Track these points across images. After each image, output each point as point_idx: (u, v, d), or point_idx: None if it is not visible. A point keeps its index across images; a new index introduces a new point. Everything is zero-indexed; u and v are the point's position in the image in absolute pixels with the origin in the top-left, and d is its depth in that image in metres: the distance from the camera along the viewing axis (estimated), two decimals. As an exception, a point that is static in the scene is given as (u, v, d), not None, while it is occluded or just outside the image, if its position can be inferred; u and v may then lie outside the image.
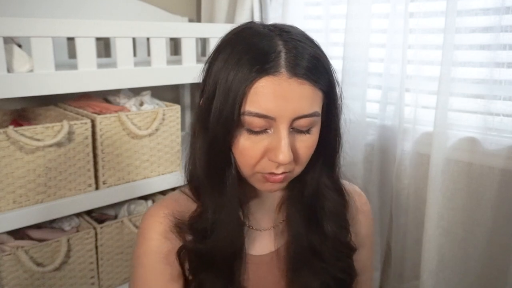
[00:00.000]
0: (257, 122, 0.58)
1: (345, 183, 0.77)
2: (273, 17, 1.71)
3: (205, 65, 0.64)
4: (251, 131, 0.59)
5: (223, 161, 0.62)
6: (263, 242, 0.72)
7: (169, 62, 1.41)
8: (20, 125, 1.33)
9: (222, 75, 0.59)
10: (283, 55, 0.57)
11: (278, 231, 0.72)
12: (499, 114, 1.17)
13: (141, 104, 1.47)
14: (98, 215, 1.47)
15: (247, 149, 0.59)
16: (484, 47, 1.17)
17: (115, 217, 1.49)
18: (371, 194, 1.44)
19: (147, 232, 0.69)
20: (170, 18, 1.81)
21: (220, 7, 1.74)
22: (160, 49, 1.37)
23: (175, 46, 1.86)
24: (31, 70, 1.15)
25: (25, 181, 1.18)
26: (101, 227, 1.32)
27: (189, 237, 0.67)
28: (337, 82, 0.65)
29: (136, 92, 1.53)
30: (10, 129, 1.13)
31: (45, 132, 1.18)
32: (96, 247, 1.33)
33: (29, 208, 1.19)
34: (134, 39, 1.68)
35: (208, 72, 0.63)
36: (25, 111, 1.49)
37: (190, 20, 1.91)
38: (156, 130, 1.38)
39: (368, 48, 1.38)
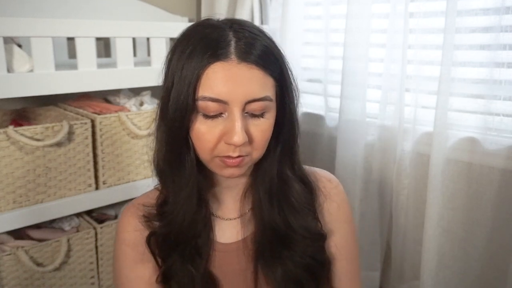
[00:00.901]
0: (211, 107, 0.61)
1: (315, 170, 0.79)
2: (273, 17, 1.71)
3: (165, 59, 0.68)
4: (207, 116, 0.62)
5: (181, 147, 0.65)
6: (231, 231, 0.75)
7: (169, 62, 1.41)
8: (20, 125, 1.33)
9: (179, 65, 0.63)
10: (233, 44, 0.61)
11: (245, 220, 0.74)
12: (499, 114, 1.17)
13: (141, 104, 1.47)
14: (98, 215, 1.47)
15: (204, 133, 0.63)
16: (484, 47, 1.17)
17: (115, 217, 1.49)
18: (371, 194, 1.44)
19: (119, 226, 0.76)
20: (170, 18, 1.81)
21: (220, 7, 1.75)
22: (160, 49, 1.37)
23: (175, 46, 1.86)
24: (31, 70, 1.15)
25: (25, 181, 1.18)
26: (101, 227, 1.32)
27: (156, 224, 0.72)
28: (291, 72, 0.68)
29: (136, 92, 1.53)
30: (10, 129, 1.13)
31: (45, 132, 1.18)
32: (96, 247, 1.33)
33: (29, 208, 1.19)
34: (134, 39, 1.68)
35: (168, 66, 0.66)
36: (25, 111, 1.49)
37: (190, 20, 1.91)
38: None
39: (368, 48, 1.38)
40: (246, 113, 0.63)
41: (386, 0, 1.35)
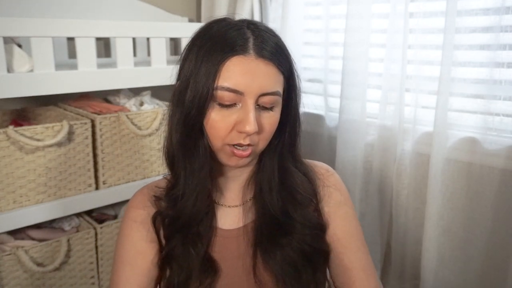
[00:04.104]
0: (228, 96, 0.66)
1: (313, 162, 0.84)
2: (273, 17, 1.71)
3: (183, 52, 0.72)
4: (222, 105, 0.67)
5: (196, 133, 0.69)
6: (233, 218, 0.78)
7: (169, 62, 1.41)
8: (20, 125, 1.33)
9: (198, 58, 0.67)
10: (251, 40, 0.67)
11: (247, 207, 0.78)
12: (499, 114, 1.17)
13: (141, 104, 1.47)
14: (98, 215, 1.47)
15: (218, 122, 0.67)
16: (484, 47, 1.17)
17: (115, 217, 1.49)
18: (371, 194, 1.44)
19: (130, 203, 0.80)
20: (170, 18, 1.81)
21: (220, 7, 1.75)
22: (160, 49, 1.37)
23: (175, 46, 1.86)
24: (31, 70, 1.15)
25: (25, 181, 1.18)
26: (101, 227, 1.32)
27: (163, 205, 0.76)
28: (297, 71, 0.74)
29: (136, 92, 1.53)
30: (10, 129, 1.13)
31: (45, 132, 1.18)
32: (96, 247, 1.33)
33: (29, 208, 1.19)
34: (134, 39, 1.68)
35: (184, 59, 0.71)
36: (25, 111, 1.49)
37: (190, 20, 1.91)
38: (156, 130, 1.38)
39: (368, 48, 1.38)
40: (257, 105, 0.68)
41: (386, 0, 1.35)
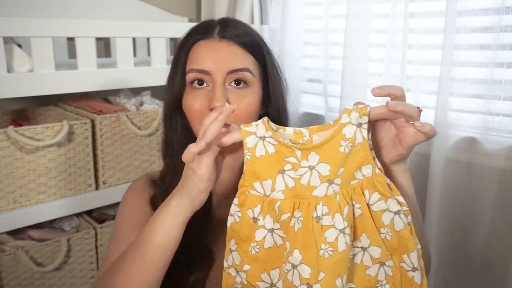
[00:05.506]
0: (197, 77, 0.73)
1: None
2: (273, 17, 1.71)
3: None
4: (195, 87, 0.74)
5: (178, 118, 0.77)
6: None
7: (169, 62, 1.40)
8: (20, 125, 1.34)
9: (177, 53, 0.76)
10: (217, 28, 0.75)
11: None
12: (499, 114, 1.17)
13: (141, 104, 1.47)
14: (98, 215, 1.47)
15: (192, 104, 0.73)
16: (484, 47, 1.17)
17: (115, 217, 1.49)
18: (371, 194, 1.44)
19: (128, 188, 0.85)
20: (170, 18, 1.81)
21: (220, 7, 1.74)
22: (160, 49, 1.37)
23: (175, 46, 1.86)
24: (31, 70, 1.15)
25: (25, 181, 1.18)
26: (101, 227, 1.33)
27: (157, 192, 0.81)
28: (276, 62, 0.79)
29: (136, 92, 1.53)
30: (10, 129, 1.13)
31: (45, 132, 1.18)
32: (96, 247, 1.33)
33: (29, 208, 1.19)
34: (134, 39, 1.68)
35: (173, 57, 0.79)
36: (25, 111, 1.49)
37: (190, 20, 1.91)
38: (156, 130, 1.38)
39: (368, 48, 1.37)
40: (229, 85, 0.73)
41: (386, 0, 1.35)
